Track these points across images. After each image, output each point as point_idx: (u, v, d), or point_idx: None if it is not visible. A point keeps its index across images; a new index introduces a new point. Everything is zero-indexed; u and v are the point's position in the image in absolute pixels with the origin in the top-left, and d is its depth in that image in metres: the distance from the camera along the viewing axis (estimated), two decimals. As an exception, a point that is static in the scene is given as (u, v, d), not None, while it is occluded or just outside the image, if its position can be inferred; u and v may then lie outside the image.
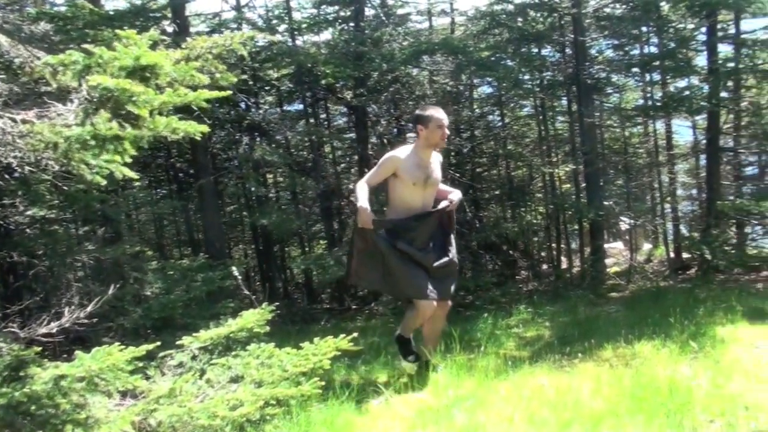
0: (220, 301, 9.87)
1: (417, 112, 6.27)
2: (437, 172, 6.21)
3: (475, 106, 15.76)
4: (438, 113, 6.02)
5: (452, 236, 6.33)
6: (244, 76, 12.25)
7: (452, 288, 6.33)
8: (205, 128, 4.92)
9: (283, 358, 5.25)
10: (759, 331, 7.61)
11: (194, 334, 5.50)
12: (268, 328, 5.83)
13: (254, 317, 5.75)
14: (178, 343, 5.47)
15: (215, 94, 4.71)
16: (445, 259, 6.13)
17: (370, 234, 5.94)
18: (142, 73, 4.27)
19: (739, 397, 4.84)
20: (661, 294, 11.28)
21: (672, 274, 14.19)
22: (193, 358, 5.43)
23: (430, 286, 5.96)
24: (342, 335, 5.40)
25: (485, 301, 12.03)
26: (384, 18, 13.46)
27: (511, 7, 13.61)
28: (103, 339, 7.37)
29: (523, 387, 5.69)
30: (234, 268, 8.74)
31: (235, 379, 5.14)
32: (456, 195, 6.26)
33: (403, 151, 6.07)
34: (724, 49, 13.41)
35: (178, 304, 8.96)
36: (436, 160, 6.26)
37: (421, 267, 6.01)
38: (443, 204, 6.18)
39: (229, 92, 5.04)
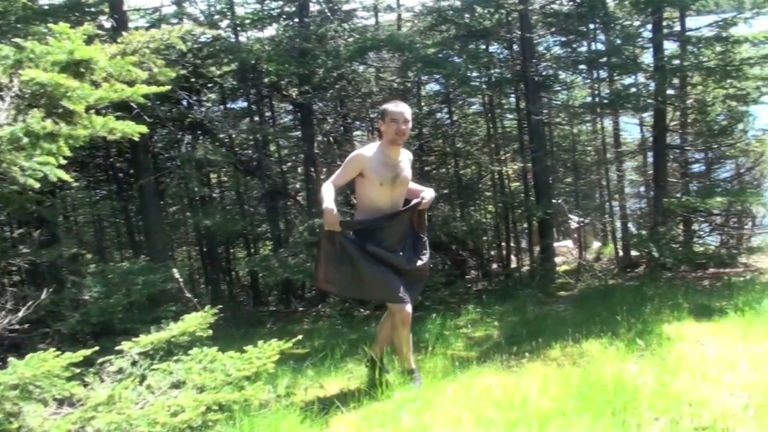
0: (161, 305, 9.78)
1: (381, 107, 6.07)
2: (407, 170, 5.94)
3: (422, 104, 15.82)
4: (394, 107, 5.77)
5: (425, 238, 6.10)
6: (184, 72, 12.11)
7: (419, 291, 6.21)
8: (143, 128, 4.87)
9: (227, 362, 5.21)
10: (705, 327, 7.76)
11: (134, 339, 5.42)
12: (211, 332, 5.77)
13: (197, 321, 5.69)
14: (117, 348, 5.38)
15: (153, 89, 4.65)
16: (419, 263, 5.92)
17: (338, 236, 5.71)
18: (76, 67, 4.20)
19: (684, 394, 4.92)
20: (610, 292, 11.44)
21: (620, 272, 14.40)
22: (133, 363, 5.35)
23: (402, 289, 5.74)
24: (287, 338, 5.38)
25: (434, 302, 12.05)
26: (329, 14, 13.45)
27: (458, 3, 13.70)
28: (38, 345, 7.21)
29: (471, 387, 5.72)
30: (175, 270, 8.61)
31: (177, 385, 5.07)
32: (428, 193, 6.00)
33: (369, 149, 5.86)
34: (670, 47, 13.65)
35: (118, 309, 8.84)
36: (405, 157, 5.98)
37: (392, 269, 5.77)
38: (413, 202, 5.95)
39: (168, 88, 4.99)
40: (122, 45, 5.04)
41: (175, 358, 5.33)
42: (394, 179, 5.78)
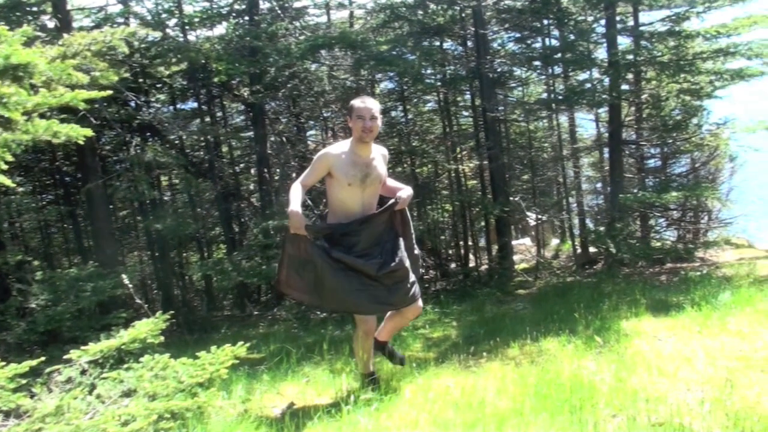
0: (111, 312, 9.64)
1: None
2: (379, 168, 5.61)
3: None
4: (359, 103, 5.47)
5: (403, 239, 5.75)
6: (130, 73, 11.97)
7: (410, 292, 5.62)
8: (88, 132, 4.79)
9: (179, 369, 5.16)
10: (662, 323, 7.85)
11: (83, 348, 5.34)
12: (162, 339, 5.71)
13: (148, 327, 5.63)
14: (66, 357, 5.30)
15: (95, 94, 4.56)
16: (392, 264, 5.50)
17: (304, 240, 5.46)
18: (14, 72, 4.13)
19: (641, 390, 4.98)
20: (568, 289, 11.54)
21: (579, 268, 14.55)
22: (83, 372, 5.28)
23: (367, 300, 5.48)
24: (241, 343, 5.35)
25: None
26: (280, 12, 13.39)
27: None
28: (-17, 356, 7.11)
29: (429, 389, 5.72)
30: (125, 276, 8.54)
31: (128, 393, 5.02)
32: (405, 192, 5.70)
33: (338, 147, 5.60)
34: (624, 42, 13.82)
35: (66, 316, 8.71)
36: (378, 154, 5.67)
37: (361, 276, 5.47)
38: (389, 203, 5.65)
39: (110, 92, 4.90)
40: (63, 47, 4.96)
41: (125, 366, 5.27)
42: (363, 179, 5.51)
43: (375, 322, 5.75)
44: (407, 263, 5.64)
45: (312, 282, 5.56)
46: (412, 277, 5.66)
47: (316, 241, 5.54)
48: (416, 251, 5.98)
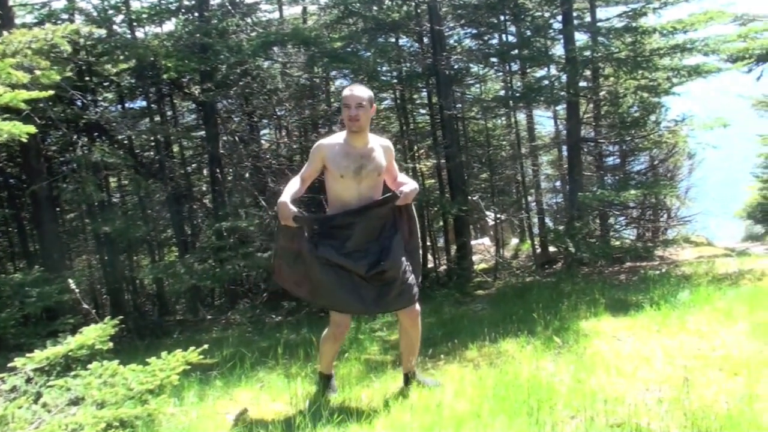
0: (58, 318, 9.55)
1: None
2: (378, 160, 5.45)
3: (332, 100, 15.80)
4: (346, 91, 5.37)
5: (409, 237, 5.59)
6: (71, 73, 11.80)
7: (402, 294, 5.45)
8: (32, 129, 4.72)
9: (128, 375, 5.10)
10: (621, 322, 7.94)
11: (29, 355, 5.26)
12: (111, 345, 5.63)
13: (96, 333, 5.56)
14: (10, 365, 5.22)
15: (36, 94, 4.48)
16: (382, 264, 5.33)
17: (296, 233, 5.34)
18: (-50, 71, 4.06)
19: (599, 390, 5.03)
20: (527, 289, 11.61)
21: (538, 268, 14.66)
22: (28, 380, 5.20)
23: (354, 300, 5.33)
24: (193, 348, 5.31)
25: (347, 305, 12.07)
26: (230, 7, 13.29)
27: (365, -6, 13.66)
28: None
29: (386, 393, 5.73)
30: (71, 281, 8.41)
31: (75, 402, 4.95)
32: (409, 186, 5.49)
33: (332, 138, 5.50)
34: (581, 38, 13.95)
35: (11, 323, 8.61)
36: (377, 145, 5.50)
37: (353, 274, 5.34)
38: (385, 197, 5.48)
39: (52, 92, 4.82)
40: (2, 45, 4.87)
41: (73, 373, 5.20)
42: (358, 170, 5.37)
43: (347, 329, 5.72)
44: (402, 265, 5.44)
45: (303, 275, 5.48)
46: (411, 279, 5.51)
47: (306, 234, 5.41)
48: (418, 253, 5.82)
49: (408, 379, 5.84)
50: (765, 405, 4.61)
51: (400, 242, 5.49)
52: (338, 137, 5.47)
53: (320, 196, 9.98)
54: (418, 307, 5.65)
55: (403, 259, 5.46)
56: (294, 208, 5.26)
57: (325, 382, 5.95)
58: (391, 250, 5.41)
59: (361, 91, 5.35)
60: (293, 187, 5.38)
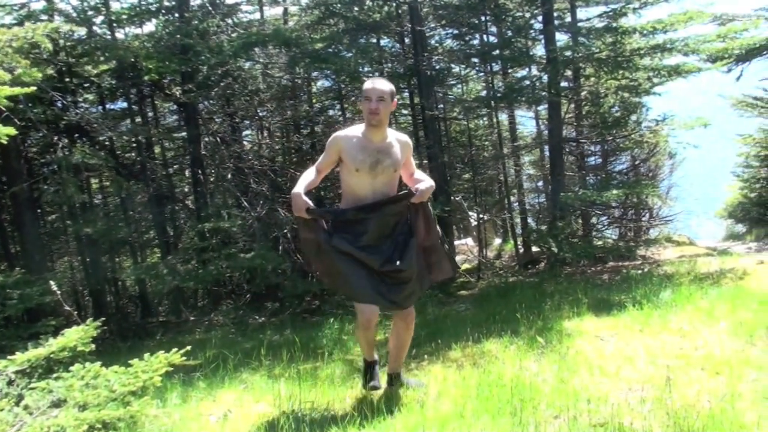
0: (39, 320, 9.47)
1: None
2: (395, 156, 5.32)
3: (314, 101, 15.79)
4: (368, 83, 5.24)
5: (427, 236, 5.46)
6: (51, 73, 11.73)
7: (410, 296, 5.42)
8: (11, 130, 4.68)
9: (111, 377, 5.07)
10: (604, 322, 7.96)
11: (10, 357, 5.23)
12: (93, 347, 5.59)
13: (78, 335, 5.52)
14: (-9, 367, 5.20)
15: (17, 91, 4.45)
16: (400, 264, 5.25)
17: (314, 224, 5.28)
18: (-72, 70, 4.02)
19: (582, 390, 5.04)
20: (510, 290, 11.64)
21: (521, 268, 14.69)
22: (10, 383, 5.16)
23: (370, 289, 5.20)
24: (175, 349, 5.28)
25: (332, 306, 12.08)
26: (211, 8, 13.22)
27: (346, -5, 13.65)
28: None
29: (370, 393, 5.73)
30: (52, 282, 8.36)
31: (57, 404, 4.92)
32: (425, 184, 5.32)
33: (350, 130, 5.37)
34: (562, 38, 14.01)
35: (-8, 325, 8.55)
36: (395, 141, 5.37)
37: (365, 266, 5.23)
38: (401, 194, 5.38)
39: (33, 89, 4.79)
40: (-19, 45, 4.84)
41: (55, 375, 5.17)
42: (374, 165, 5.24)
43: (375, 316, 5.32)
44: (416, 266, 5.37)
45: (328, 265, 5.41)
46: (422, 282, 5.52)
47: (322, 225, 5.34)
48: (444, 249, 5.69)
49: (392, 379, 5.77)
50: (747, 404, 4.63)
51: (414, 242, 5.40)
52: (356, 130, 5.35)
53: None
54: (413, 311, 5.60)
55: (416, 260, 5.39)
56: (307, 200, 5.15)
57: (367, 370, 5.77)
58: (406, 250, 5.34)
59: (383, 85, 5.24)
60: (308, 178, 5.27)
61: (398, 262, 5.25)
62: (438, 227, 5.59)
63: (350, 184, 5.36)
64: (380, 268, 5.21)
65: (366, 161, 5.20)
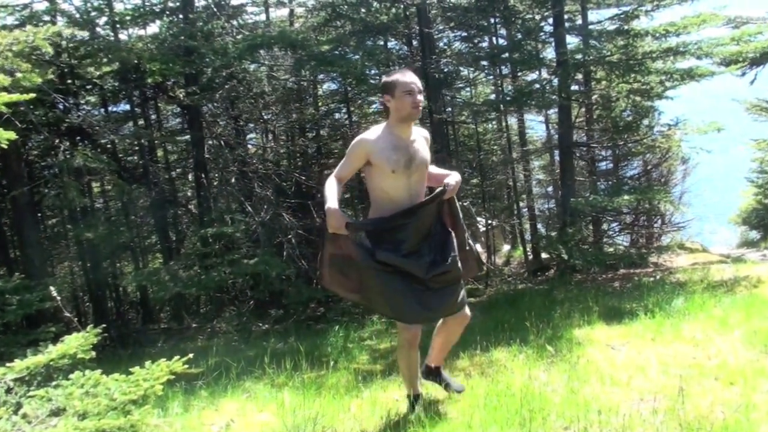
0: (39, 326, 9.49)
1: (382, 79, 5.26)
2: (423, 151, 5.16)
3: (319, 104, 15.80)
4: (404, 76, 5.04)
5: (454, 232, 5.28)
6: (53, 76, 11.72)
7: (460, 297, 5.16)
8: (12, 135, 4.67)
9: (111, 385, 5.06)
10: (615, 331, 7.96)
11: (9, 364, 5.21)
12: (94, 354, 5.58)
13: (78, 342, 5.51)
14: (-11, 375, 5.20)
15: (16, 97, 4.43)
16: (444, 265, 5.05)
17: (344, 239, 5.03)
18: (-73, 73, 4.02)
19: (593, 400, 5.02)
20: (519, 297, 11.62)
21: (530, 275, 14.66)
22: (8, 391, 5.15)
23: (417, 306, 4.97)
24: (177, 357, 5.28)
25: (337, 313, 12.08)
26: (216, 9, 13.24)
27: (352, -3, 13.66)
28: None
29: (376, 403, 5.71)
30: (53, 288, 8.35)
31: (56, 412, 4.91)
32: (453, 178, 5.23)
33: (373, 132, 5.09)
34: (573, 41, 13.97)
35: (-9, 331, 8.55)
36: (419, 137, 5.23)
37: (408, 278, 4.99)
38: (437, 191, 5.15)
39: (33, 95, 4.75)
40: (-19, 47, 4.84)
41: (54, 383, 5.15)
42: (408, 164, 5.03)
43: (420, 330, 5.19)
44: (459, 263, 5.16)
45: (358, 281, 5.17)
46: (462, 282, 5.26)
47: (358, 240, 5.02)
48: (470, 246, 5.45)
49: (431, 372, 5.62)
50: (761, 415, 4.61)
51: (453, 239, 5.22)
52: (378, 130, 5.11)
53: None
54: (468, 310, 5.33)
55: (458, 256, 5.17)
56: (345, 215, 4.94)
57: (414, 406, 5.38)
58: (446, 249, 5.15)
59: (417, 77, 5.11)
60: (334, 189, 4.97)
61: (443, 264, 5.06)
62: (465, 228, 5.45)
63: (384, 188, 5.08)
64: (426, 275, 4.98)
65: (401, 160, 4.99)
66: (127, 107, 14.90)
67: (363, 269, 5.00)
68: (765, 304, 8.49)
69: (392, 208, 5.06)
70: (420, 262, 4.99)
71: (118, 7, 13.72)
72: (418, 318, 5.06)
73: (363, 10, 13.66)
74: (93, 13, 13.19)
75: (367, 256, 4.94)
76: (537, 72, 15.29)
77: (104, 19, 13.41)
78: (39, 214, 14.28)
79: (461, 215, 5.42)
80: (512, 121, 17.46)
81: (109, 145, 14.03)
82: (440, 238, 5.17)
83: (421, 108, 5.04)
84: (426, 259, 5.02)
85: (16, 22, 12.48)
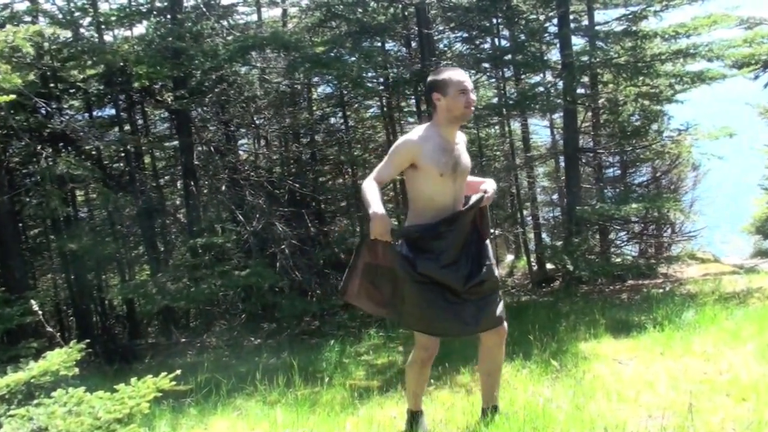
0: (20, 342, 9.48)
1: (429, 78, 5.07)
2: (465, 156, 5.05)
3: (314, 108, 15.82)
4: (457, 74, 4.88)
5: (488, 243, 5.15)
6: (34, 78, 11.74)
7: (499, 309, 5.02)
8: (-11, 141, 4.68)
9: (95, 403, 5.06)
10: (622, 344, 7.96)
11: (-12, 382, 5.24)
12: (77, 370, 5.59)
13: (60, 358, 5.51)
14: (-32, 393, 5.20)
15: (-5, 98, 4.46)
16: (481, 274, 4.92)
17: (385, 248, 4.87)
18: None
19: (599, 417, 5.01)
20: (523, 309, 11.62)
21: (535, 287, 14.66)
22: (-13, 409, 5.18)
23: (451, 319, 4.85)
24: (164, 373, 5.28)
25: (333, 327, 12.07)
26: (205, 9, 13.24)
27: (348, -4, 13.68)
28: None
29: (372, 421, 5.71)
30: (33, 301, 8.35)
31: (38, 432, 4.93)
32: (490, 185, 5.12)
33: (419, 133, 4.92)
34: (578, 42, 14.00)
35: (-31, 348, 8.54)
36: (461, 140, 5.11)
37: (445, 291, 4.84)
38: (475, 198, 5.00)
39: (13, 97, 4.77)
40: (-41, 48, 4.85)
41: (35, 401, 5.15)
42: (455, 168, 4.89)
43: (436, 352, 5.08)
44: (497, 272, 5.09)
45: (390, 294, 5.02)
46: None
47: (396, 248, 4.88)
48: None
49: (488, 413, 5.23)
50: (775, 432, 4.61)
51: (488, 248, 5.11)
52: (423, 131, 4.95)
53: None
54: (506, 324, 5.11)
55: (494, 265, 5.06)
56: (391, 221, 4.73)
57: (413, 421, 5.33)
58: (482, 257, 5.01)
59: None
60: (376, 192, 4.76)
61: (480, 274, 4.92)
62: (490, 226, 5.34)
63: (430, 193, 4.91)
64: (463, 287, 4.83)
65: (449, 164, 4.85)
66: (113, 112, 14.93)
67: (400, 279, 4.87)
68: (779, 317, 8.50)
69: (434, 215, 4.91)
70: (458, 274, 4.85)
71: (103, 7, 13.77)
72: (450, 331, 5.00)
73: (359, 10, 13.69)
74: (76, 14, 13.23)
75: (408, 266, 4.82)
76: (541, 74, 15.31)
77: (88, 19, 13.45)
78: (20, 224, 14.28)
79: (489, 225, 5.32)
80: (515, 125, 17.50)
81: (93, 152, 14.04)
82: (476, 247, 5.03)
83: (473, 109, 4.94)
84: (463, 271, 4.88)
85: (-3, 23, 12.50)
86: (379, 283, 5.02)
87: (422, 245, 4.84)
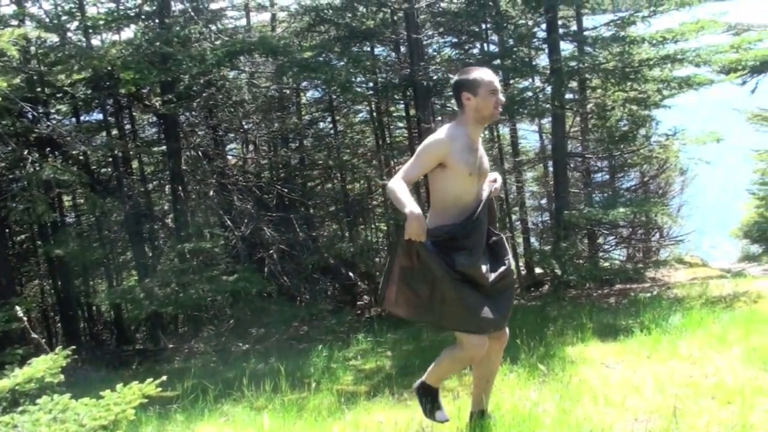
0: (5, 349, 9.47)
1: (458, 77, 5.05)
2: (485, 156, 5.11)
3: (303, 112, 15.82)
4: (488, 75, 4.91)
5: (503, 236, 5.18)
6: (20, 82, 11.71)
7: (510, 308, 5.12)
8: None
9: (80, 410, 5.06)
10: (609, 348, 7.99)
11: (-28, 390, 5.23)
12: (62, 377, 5.58)
13: (46, 365, 5.51)
14: (-48, 400, 5.19)
15: (-21, 105, 4.45)
16: (502, 268, 4.96)
17: (419, 248, 4.79)
18: None
19: (585, 421, 5.04)
20: (511, 313, 11.63)
21: (524, 291, 14.67)
22: (-29, 417, 5.17)
23: (490, 315, 4.83)
24: (150, 379, 5.28)
25: (321, 332, 12.07)
26: (193, 14, 13.25)
27: (337, 1, 13.72)
28: None
29: (359, 426, 5.73)
30: (18, 308, 8.34)
31: (22, 439, 4.92)
32: (496, 176, 5.22)
33: (447, 132, 4.89)
34: (567, 47, 14.02)
35: (-47, 354, 8.53)
36: (480, 140, 5.14)
37: (477, 287, 4.85)
38: (485, 192, 5.05)
39: (-1, 101, 4.77)
40: (-55, 52, 4.85)
41: (20, 408, 5.15)
42: (479, 167, 4.94)
43: (486, 347, 4.94)
44: (513, 265, 5.08)
45: (428, 296, 4.92)
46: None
47: (432, 250, 4.84)
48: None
49: (476, 417, 5.32)
50: (759, 435, 4.65)
51: (504, 242, 5.15)
52: (450, 130, 4.91)
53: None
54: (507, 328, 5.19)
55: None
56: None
57: (434, 396, 5.36)
58: (500, 250, 5.08)
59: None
60: (407, 192, 4.70)
61: (501, 268, 4.96)
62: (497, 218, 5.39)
63: (458, 192, 4.91)
64: (490, 282, 4.87)
65: (475, 164, 4.89)
66: (100, 116, 14.92)
67: (438, 279, 4.80)
68: (764, 321, 8.54)
69: (459, 214, 4.92)
70: (483, 269, 4.86)
71: (91, 11, 13.73)
72: (494, 325, 4.90)
73: (348, 14, 13.72)
74: (64, 18, 13.21)
75: (445, 265, 4.79)
76: (530, 79, 15.34)
77: (76, 23, 13.42)
78: (6, 230, 14.24)
79: (497, 218, 5.35)
80: (504, 130, 17.52)
81: (80, 157, 14.02)
82: (493, 241, 5.09)
83: (500, 109, 4.98)
84: (487, 266, 4.91)
85: (-19, 27, 12.48)
86: (415, 286, 4.96)
87: (452, 245, 4.83)
